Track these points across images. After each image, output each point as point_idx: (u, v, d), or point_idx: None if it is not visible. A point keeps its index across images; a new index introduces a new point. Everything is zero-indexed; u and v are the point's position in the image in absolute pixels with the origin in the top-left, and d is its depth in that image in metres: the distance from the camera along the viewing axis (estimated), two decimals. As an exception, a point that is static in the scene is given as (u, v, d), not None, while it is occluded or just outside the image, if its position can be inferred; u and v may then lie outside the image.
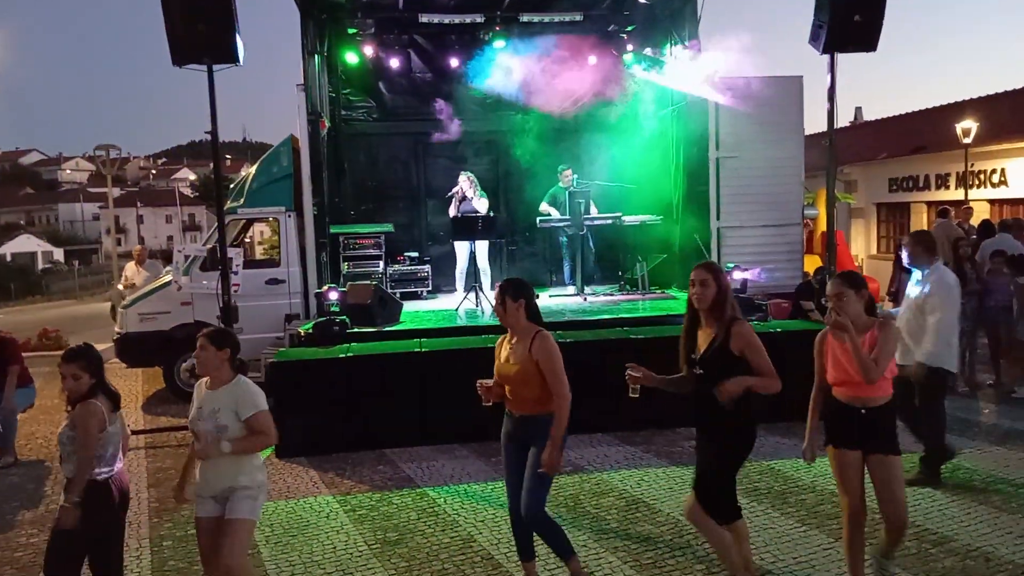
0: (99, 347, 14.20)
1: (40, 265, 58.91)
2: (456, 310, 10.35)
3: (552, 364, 4.42)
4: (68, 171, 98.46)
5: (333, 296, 9.05)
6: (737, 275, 9.75)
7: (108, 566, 4.27)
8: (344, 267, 11.38)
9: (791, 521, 5.64)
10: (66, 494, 4.03)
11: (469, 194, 11.23)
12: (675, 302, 10.60)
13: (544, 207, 11.61)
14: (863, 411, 4.28)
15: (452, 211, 11.27)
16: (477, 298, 10.31)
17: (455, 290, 11.42)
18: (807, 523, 5.59)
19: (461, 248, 11.24)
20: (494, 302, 4.64)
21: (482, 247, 11.22)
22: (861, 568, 4.41)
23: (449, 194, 11.38)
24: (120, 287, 13.77)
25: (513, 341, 4.60)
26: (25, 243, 64.49)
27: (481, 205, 11.22)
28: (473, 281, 10.65)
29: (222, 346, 4.22)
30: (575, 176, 11.55)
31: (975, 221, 13.34)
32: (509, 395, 4.59)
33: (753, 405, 4.31)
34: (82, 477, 4.01)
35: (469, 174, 11.37)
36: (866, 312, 4.31)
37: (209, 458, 4.12)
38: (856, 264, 16.47)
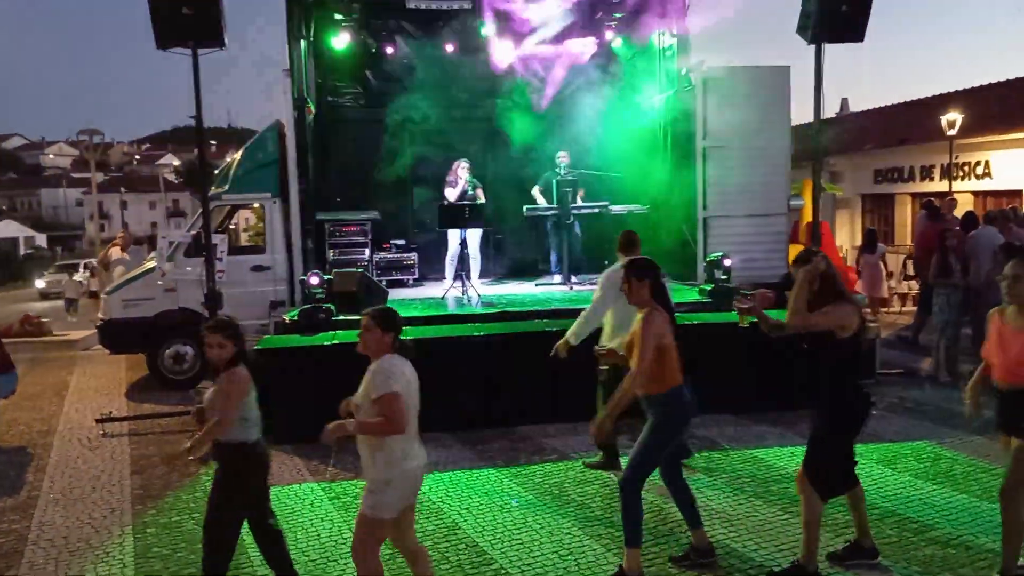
0: (81, 333, 14.08)
1: (22, 251, 58.41)
2: (443, 298, 10.33)
3: (642, 340, 4.49)
4: (51, 156, 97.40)
5: (315, 281, 9.01)
6: (727, 263, 9.80)
7: (266, 525, 4.43)
8: (330, 254, 11.33)
9: (774, 509, 5.68)
10: (222, 462, 4.28)
11: (465, 184, 11.17)
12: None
13: (535, 191, 11.57)
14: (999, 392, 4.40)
15: (453, 196, 11.18)
16: (464, 286, 10.28)
17: (442, 278, 11.40)
18: (789, 511, 5.62)
19: (452, 235, 11.18)
20: (622, 282, 4.72)
21: (473, 235, 11.18)
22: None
23: (448, 179, 11.29)
24: (93, 263, 13.74)
25: (639, 317, 4.64)
26: (7, 228, 63.86)
27: (480, 194, 11.22)
28: (460, 268, 10.63)
29: (387, 329, 4.06)
30: (567, 163, 11.50)
31: (959, 212, 13.40)
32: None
33: (854, 377, 4.47)
34: (210, 437, 4.16)
35: (466, 162, 11.30)
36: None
37: (330, 438, 3.99)
38: (840, 255, 16.55)
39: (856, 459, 4.64)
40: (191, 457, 4.26)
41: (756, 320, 4.72)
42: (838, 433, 4.50)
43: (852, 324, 4.34)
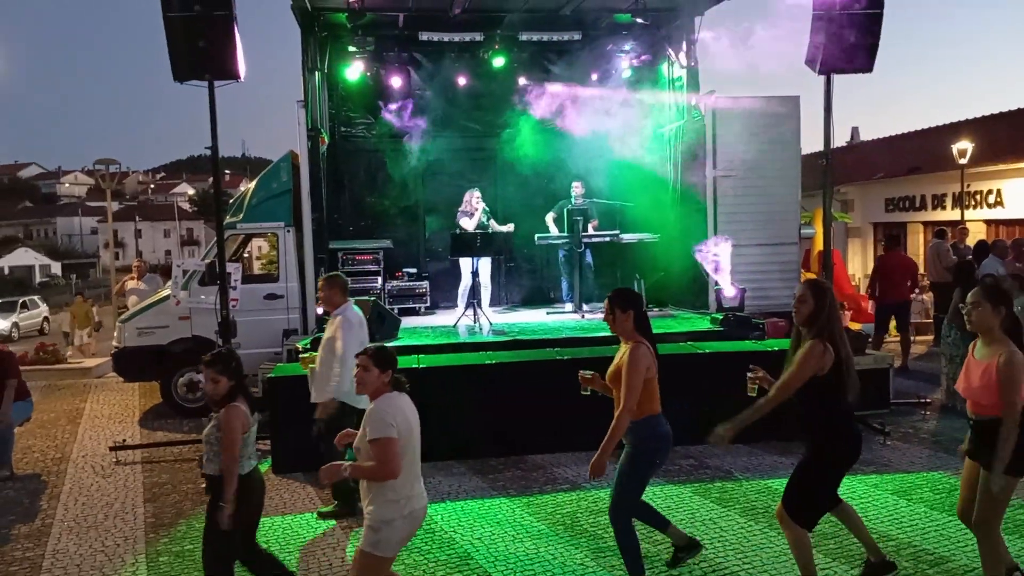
0: (96, 361, 14.12)
1: (38, 279, 58.91)
2: (455, 326, 10.36)
3: (628, 374, 4.52)
4: (67, 185, 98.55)
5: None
6: (732, 293, 9.81)
7: (255, 554, 4.47)
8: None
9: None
10: (213, 494, 4.27)
11: (480, 214, 11.25)
12: (673, 320, 10.62)
13: (549, 219, 11.64)
14: (971, 422, 4.45)
15: (470, 226, 11.24)
16: (475, 314, 10.32)
17: (454, 306, 11.44)
18: (804, 542, 5.58)
19: (465, 264, 11.24)
20: (604, 310, 4.80)
21: (485, 263, 11.24)
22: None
23: (462, 209, 11.37)
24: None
25: (624, 350, 4.70)
26: (23, 256, 64.50)
27: (495, 224, 11.29)
28: (472, 297, 10.68)
29: (385, 368, 4.03)
30: (582, 193, 11.62)
31: (971, 241, 13.40)
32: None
33: (845, 413, 4.45)
34: (231, 478, 4.21)
35: (478, 192, 11.39)
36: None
37: (328, 482, 4.00)
38: (853, 283, 16.51)
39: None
40: (222, 504, 4.24)
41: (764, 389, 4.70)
42: (826, 467, 4.49)
43: (825, 364, 4.30)
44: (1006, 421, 4.14)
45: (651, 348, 4.64)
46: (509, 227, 11.47)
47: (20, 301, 31.17)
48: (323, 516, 6.38)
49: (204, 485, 4.41)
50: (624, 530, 4.63)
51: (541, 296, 12.76)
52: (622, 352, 4.64)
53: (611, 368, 4.74)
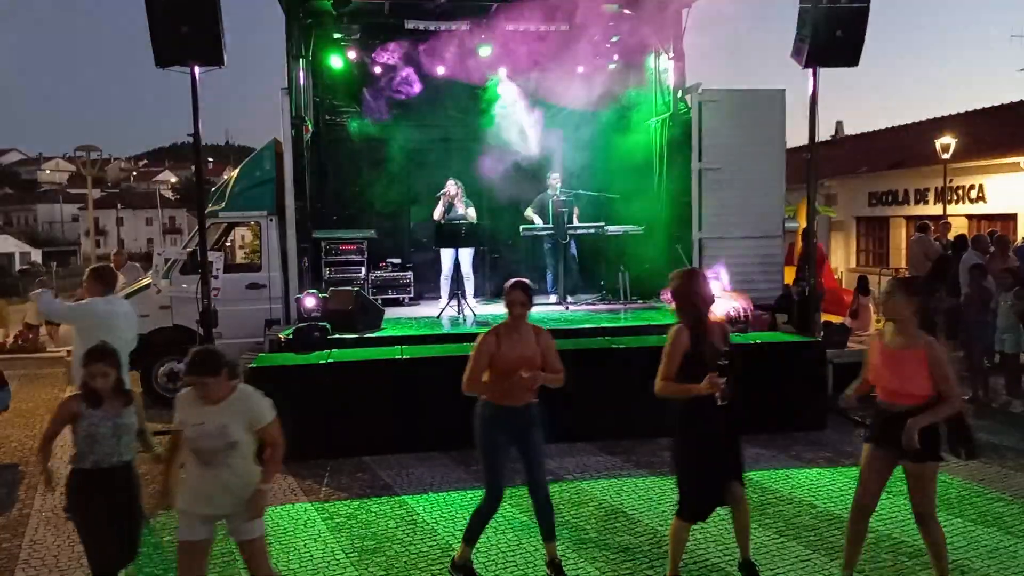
0: (67, 348, 13.88)
1: (17, 266, 58.27)
2: (438, 317, 10.32)
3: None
4: (48, 172, 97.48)
5: (310, 304, 8.99)
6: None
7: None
8: (326, 272, 11.33)
9: (769, 532, 5.66)
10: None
11: (456, 201, 11.21)
12: (657, 312, 10.63)
13: (529, 213, 11.62)
14: (887, 414, 4.44)
15: (437, 214, 11.21)
16: (460, 305, 10.29)
17: (438, 297, 11.40)
18: (785, 534, 5.61)
19: (446, 255, 11.22)
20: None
21: (466, 254, 11.20)
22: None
23: (438, 195, 11.33)
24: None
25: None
26: (3, 243, 63.70)
27: (471, 214, 11.23)
28: (456, 288, 10.64)
29: (218, 372, 4.02)
30: (559, 185, 11.59)
31: (953, 236, 13.51)
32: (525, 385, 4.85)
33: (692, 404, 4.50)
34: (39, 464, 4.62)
35: (457, 181, 11.35)
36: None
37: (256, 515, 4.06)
38: (836, 277, 16.60)
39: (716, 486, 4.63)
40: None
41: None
42: (681, 451, 4.63)
43: (681, 348, 4.46)
44: (952, 401, 4.31)
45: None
46: (471, 213, 11.33)
47: None
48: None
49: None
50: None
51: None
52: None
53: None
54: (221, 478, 3.99)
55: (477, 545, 5.44)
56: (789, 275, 10.65)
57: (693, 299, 4.57)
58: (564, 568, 5.02)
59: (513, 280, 5.04)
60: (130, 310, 6.50)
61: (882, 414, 4.49)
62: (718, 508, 4.71)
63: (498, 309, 11.13)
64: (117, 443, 4.40)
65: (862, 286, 12.05)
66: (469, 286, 11.29)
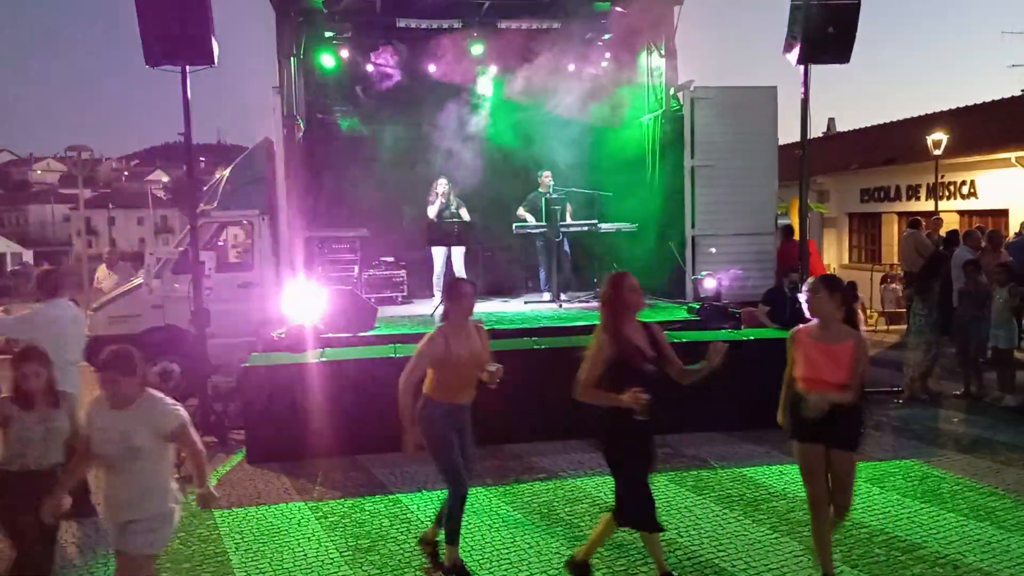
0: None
1: (9, 266, 57.99)
2: (432, 315, 10.31)
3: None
4: (39, 172, 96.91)
5: (307, 302, 8.97)
6: (708, 283, 9.83)
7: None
8: (319, 271, 11.30)
9: (763, 528, 5.67)
10: None
11: (446, 200, 11.20)
12: (650, 310, 10.63)
13: (521, 212, 11.61)
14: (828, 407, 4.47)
15: (433, 213, 11.19)
16: (452, 304, 10.26)
17: (431, 295, 11.38)
18: (779, 530, 5.62)
19: (438, 253, 11.21)
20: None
21: (458, 253, 11.19)
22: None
23: (431, 197, 11.32)
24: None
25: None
26: (-6, 244, 63.41)
27: (464, 213, 11.22)
28: (448, 287, 10.62)
29: (131, 373, 3.93)
30: (551, 183, 11.59)
31: (945, 232, 13.55)
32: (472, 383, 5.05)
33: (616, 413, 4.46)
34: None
35: (446, 180, 11.33)
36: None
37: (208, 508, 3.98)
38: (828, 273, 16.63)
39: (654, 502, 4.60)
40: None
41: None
42: (614, 459, 4.60)
43: (604, 353, 4.46)
44: (857, 391, 4.49)
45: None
46: (464, 212, 11.34)
47: None
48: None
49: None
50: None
51: (519, 286, 12.72)
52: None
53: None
54: (128, 485, 3.89)
55: (471, 543, 5.46)
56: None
57: (617, 304, 4.54)
58: (560, 565, 5.03)
59: (461, 279, 5.15)
60: (77, 313, 6.47)
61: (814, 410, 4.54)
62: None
63: (491, 307, 11.15)
64: (46, 447, 4.34)
65: (851, 292, 12.06)
66: (461, 284, 11.27)
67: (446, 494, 5.03)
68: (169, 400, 4.05)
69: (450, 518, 4.97)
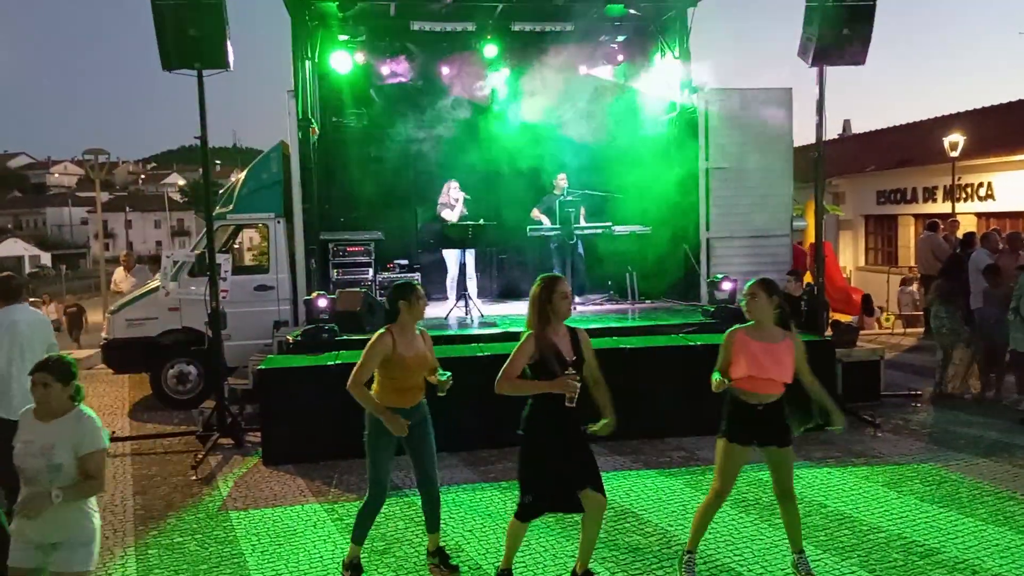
0: (85, 353, 13.99)
1: (27, 269, 58.59)
2: (446, 318, 10.33)
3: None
4: (56, 175, 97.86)
5: (322, 304, 9.01)
6: (726, 286, 9.79)
7: None
8: (334, 274, 11.35)
9: (779, 532, 5.62)
10: None
11: (458, 204, 11.21)
12: (664, 312, 10.62)
13: (535, 213, 11.60)
14: (759, 407, 4.71)
15: (454, 216, 11.16)
16: (467, 306, 10.30)
17: (445, 298, 11.40)
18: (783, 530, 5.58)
19: (451, 256, 11.23)
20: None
21: (471, 255, 11.21)
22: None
23: (442, 201, 11.33)
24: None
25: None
26: (12, 247, 64.13)
27: (454, 213, 11.24)
28: (463, 289, 10.65)
29: (65, 381, 3.83)
30: (566, 186, 11.58)
31: (962, 234, 13.44)
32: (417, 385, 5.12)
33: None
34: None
35: (458, 183, 11.34)
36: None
37: (37, 516, 3.66)
38: (844, 275, 16.55)
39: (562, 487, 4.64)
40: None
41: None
42: (525, 451, 4.69)
43: (527, 352, 4.61)
44: (814, 385, 4.75)
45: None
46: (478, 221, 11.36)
47: None
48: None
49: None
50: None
51: (532, 288, 12.71)
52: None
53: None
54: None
55: (485, 546, 5.46)
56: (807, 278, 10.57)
57: (543, 306, 4.64)
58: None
59: (412, 282, 5.19)
60: (35, 316, 6.19)
61: (750, 408, 4.70)
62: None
63: (505, 309, 11.16)
64: None
65: (867, 306, 12.08)
66: (472, 286, 11.30)
67: (422, 498, 5.19)
68: (99, 423, 3.87)
69: (359, 520, 5.03)
